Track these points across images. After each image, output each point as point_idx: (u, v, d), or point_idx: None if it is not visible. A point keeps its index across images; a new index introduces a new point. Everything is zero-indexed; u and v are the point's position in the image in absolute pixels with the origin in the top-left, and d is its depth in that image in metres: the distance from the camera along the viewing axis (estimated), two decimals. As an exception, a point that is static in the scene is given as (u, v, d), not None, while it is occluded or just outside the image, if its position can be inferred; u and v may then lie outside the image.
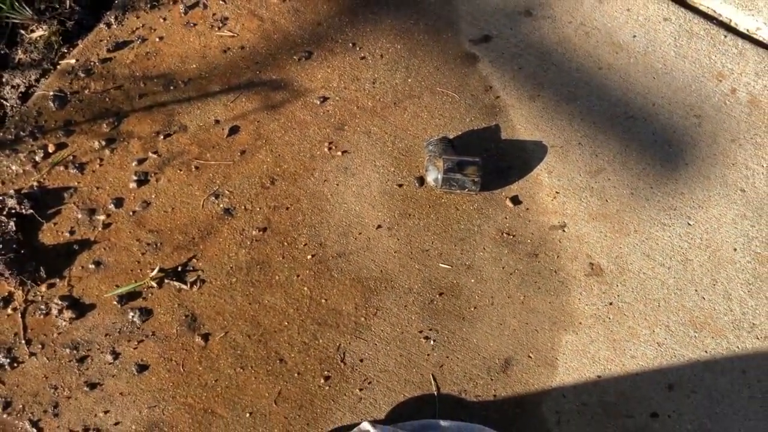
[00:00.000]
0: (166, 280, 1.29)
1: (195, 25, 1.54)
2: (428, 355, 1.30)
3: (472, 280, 1.35)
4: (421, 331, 1.32)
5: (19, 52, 1.48)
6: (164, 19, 1.53)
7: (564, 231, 1.42)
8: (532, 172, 1.49)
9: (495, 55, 1.60)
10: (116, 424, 1.19)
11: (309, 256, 1.35)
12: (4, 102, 1.42)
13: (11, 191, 1.30)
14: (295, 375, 1.26)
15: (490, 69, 1.58)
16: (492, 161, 1.47)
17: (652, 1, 1.64)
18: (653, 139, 1.51)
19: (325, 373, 1.27)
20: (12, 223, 1.25)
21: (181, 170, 1.39)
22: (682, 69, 1.57)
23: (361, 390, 1.26)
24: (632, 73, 1.57)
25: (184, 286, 1.29)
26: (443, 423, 1.21)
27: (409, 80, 1.55)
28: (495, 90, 1.56)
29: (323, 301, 1.32)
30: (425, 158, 1.44)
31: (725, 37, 1.61)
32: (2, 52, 1.48)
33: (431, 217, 1.41)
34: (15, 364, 1.20)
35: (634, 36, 1.61)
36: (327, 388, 1.26)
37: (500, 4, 1.65)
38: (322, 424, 1.23)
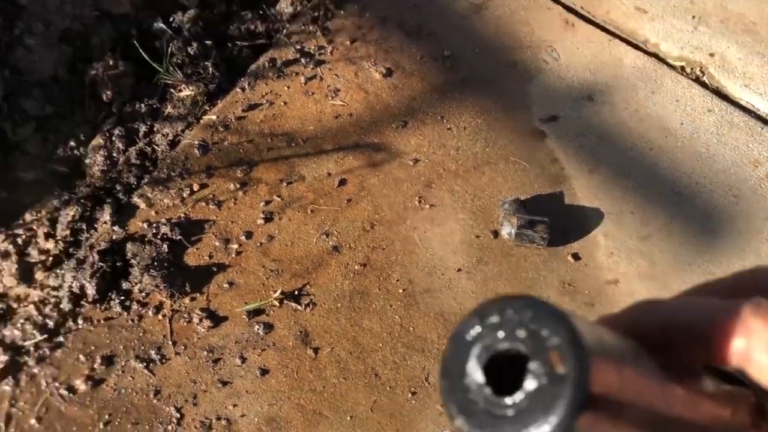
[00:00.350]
0: (285, 301, 1.55)
1: (313, 94, 1.85)
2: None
3: (539, 320, 1.60)
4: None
5: (169, 107, 1.79)
6: (288, 88, 1.85)
7: (617, 286, 1.66)
8: (590, 233, 1.74)
9: (561, 133, 1.88)
10: (242, 416, 1.44)
11: (400, 290, 1.61)
12: (156, 147, 1.73)
13: (163, 220, 1.59)
14: (388, 389, 1.51)
15: (556, 144, 1.86)
16: (557, 222, 1.73)
17: (698, 94, 1.92)
18: (696, 213, 1.76)
19: (412, 389, 1.51)
20: (165, 246, 1.53)
21: (299, 212, 1.67)
22: (723, 154, 1.83)
23: (442, 406, 1.50)
24: (679, 155, 1.84)
25: (299, 307, 1.56)
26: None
27: (487, 149, 1.83)
28: (560, 162, 1.83)
29: (411, 328, 1.57)
30: (500, 215, 1.71)
31: (762, 128, 1.87)
32: (155, 106, 1.80)
33: (503, 266, 1.67)
34: (163, 360, 1.46)
35: (682, 123, 1.89)
36: (414, 402, 1.50)
37: (566, 90, 1.95)
38: None
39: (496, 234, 1.70)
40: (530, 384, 0.30)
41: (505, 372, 0.32)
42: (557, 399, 0.29)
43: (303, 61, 1.87)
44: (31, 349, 1.42)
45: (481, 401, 0.33)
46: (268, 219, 1.65)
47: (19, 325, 1.43)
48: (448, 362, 0.34)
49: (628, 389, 0.31)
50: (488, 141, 1.84)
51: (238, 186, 1.68)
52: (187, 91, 1.79)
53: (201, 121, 1.77)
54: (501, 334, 0.32)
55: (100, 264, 1.46)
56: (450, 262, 1.66)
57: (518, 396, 0.31)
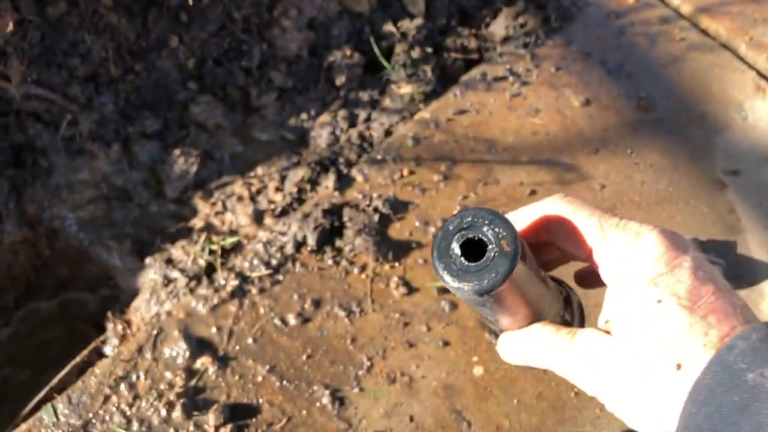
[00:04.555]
0: (472, 286, 1.72)
1: (515, 110, 2.03)
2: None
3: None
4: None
5: (387, 100, 2.01)
6: (494, 100, 2.04)
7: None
8: (758, 285, 1.82)
9: (741, 187, 1.97)
10: (423, 377, 1.61)
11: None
12: (372, 133, 1.94)
13: (376, 194, 1.79)
14: (553, 384, 1.64)
15: (735, 197, 1.95)
16: (729, 268, 1.82)
17: None
18: None
19: (575, 390, 1.64)
20: (376, 217, 1.73)
21: (491, 211, 1.84)
22: None
23: (600, 410, 1.62)
24: None
25: (482, 294, 1.72)
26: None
27: (670, 188, 1.95)
28: (737, 214, 1.92)
29: (580, 335, 1.70)
30: (677, 250, 1.82)
31: None
32: (375, 97, 2.02)
33: (673, 297, 1.77)
34: (362, 314, 1.65)
35: None
36: (575, 401, 1.62)
37: (751, 148, 2.04)
38: (568, 425, 1.59)
39: (669, 267, 1.81)
40: (489, 255, 0.61)
41: (472, 249, 0.63)
42: (506, 261, 0.60)
43: (510, 79, 2.05)
44: (256, 280, 1.65)
45: (458, 265, 0.63)
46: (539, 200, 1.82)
47: (248, 258, 1.66)
48: (438, 241, 0.65)
49: (529, 264, 0.64)
50: (672, 181, 1.95)
51: (441, 178, 1.86)
52: (406, 89, 2.00)
53: (415, 117, 1.98)
54: (472, 228, 0.64)
55: (322, 220, 1.68)
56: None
57: (481, 262, 0.61)
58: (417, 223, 1.80)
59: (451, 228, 0.67)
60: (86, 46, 1.78)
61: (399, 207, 1.81)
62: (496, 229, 0.65)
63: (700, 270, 0.65)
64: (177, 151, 1.83)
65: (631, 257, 0.66)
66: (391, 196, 1.81)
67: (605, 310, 0.69)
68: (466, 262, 0.65)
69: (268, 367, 1.56)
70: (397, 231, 1.78)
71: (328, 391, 1.53)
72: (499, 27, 2.18)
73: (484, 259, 0.65)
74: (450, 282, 0.66)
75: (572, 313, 0.80)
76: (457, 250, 0.66)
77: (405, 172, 1.86)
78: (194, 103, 1.91)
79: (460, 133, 1.96)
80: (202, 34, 1.91)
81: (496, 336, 0.87)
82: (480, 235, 0.66)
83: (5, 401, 2.02)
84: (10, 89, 1.68)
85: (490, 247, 0.65)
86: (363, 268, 1.71)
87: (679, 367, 0.62)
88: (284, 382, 1.54)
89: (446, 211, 1.84)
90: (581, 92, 2.08)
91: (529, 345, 0.73)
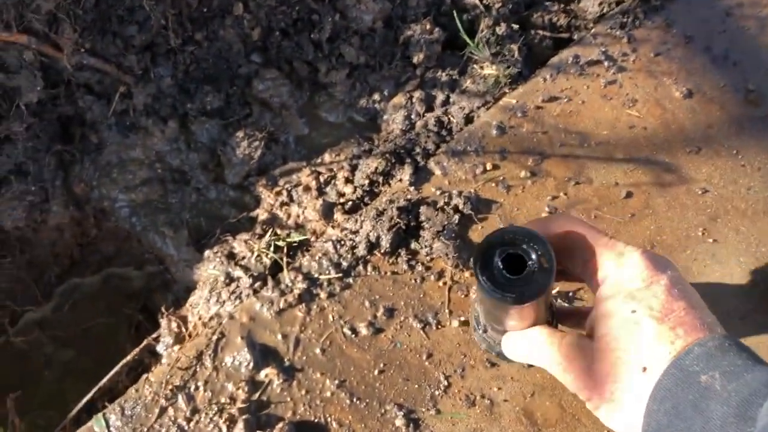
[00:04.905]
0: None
1: (611, 99, 1.82)
2: None
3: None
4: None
5: (468, 81, 1.82)
6: (587, 87, 1.83)
7: None
8: None
9: None
10: (505, 401, 1.46)
11: (671, 319, 1.58)
12: (451, 118, 1.76)
13: (455, 191, 1.62)
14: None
15: None
16: None
17: None
18: None
19: (671, 420, 1.48)
20: (456, 217, 1.56)
21: (582, 214, 1.66)
22: None
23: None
24: None
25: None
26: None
27: (780, 196, 1.74)
28: None
29: (677, 360, 1.54)
30: (789, 269, 1.63)
31: None
32: (455, 77, 1.83)
33: (780, 321, 1.60)
34: (439, 326, 1.50)
35: None
36: (670, 433, 1.47)
37: None
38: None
39: (777, 286, 1.63)
40: (529, 270, 0.77)
41: (511, 263, 0.78)
42: (545, 277, 0.77)
43: (606, 64, 1.84)
44: (325, 283, 1.50)
45: (499, 277, 0.77)
46: (553, 214, 1.64)
47: (317, 258, 1.51)
48: (482, 254, 0.79)
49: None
50: (782, 188, 1.75)
51: (528, 174, 1.68)
52: (490, 70, 1.80)
53: (500, 102, 1.78)
54: (513, 244, 0.78)
55: (398, 220, 1.51)
56: (725, 304, 1.60)
57: (522, 276, 0.77)
58: (500, 225, 1.63)
59: (493, 242, 0.80)
60: (144, 12, 1.60)
61: (481, 206, 1.64)
62: (535, 247, 0.78)
63: (675, 288, 0.77)
64: (240, 132, 1.66)
65: (615, 273, 0.79)
66: (472, 194, 1.64)
67: (590, 317, 0.83)
68: (508, 275, 0.79)
69: (337, 381, 1.42)
70: (479, 234, 1.61)
71: (401, 413, 1.40)
72: (591, 2, 1.95)
73: (525, 273, 0.79)
74: (492, 292, 0.78)
75: (553, 316, 0.99)
76: (500, 264, 0.79)
77: (488, 166, 1.69)
78: (258, 78, 1.73)
79: (549, 123, 1.77)
80: (269, 1, 1.72)
81: (490, 347, 1.15)
82: (520, 252, 0.79)
83: (49, 382, 1.92)
84: (62, 59, 1.51)
85: (530, 263, 0.79)
86: (440, 275, 1.55)
87: (644, 369, 0.72)
88: (354, 400, 1.41)
89: (533, 213, 1.66)
90: (683, 82, 1.87)
91: (531, 344, 0.89)
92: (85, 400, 1.45)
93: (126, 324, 2.03)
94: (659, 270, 0.78)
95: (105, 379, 1.48)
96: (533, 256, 0.78)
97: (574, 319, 1.03)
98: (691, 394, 0.67)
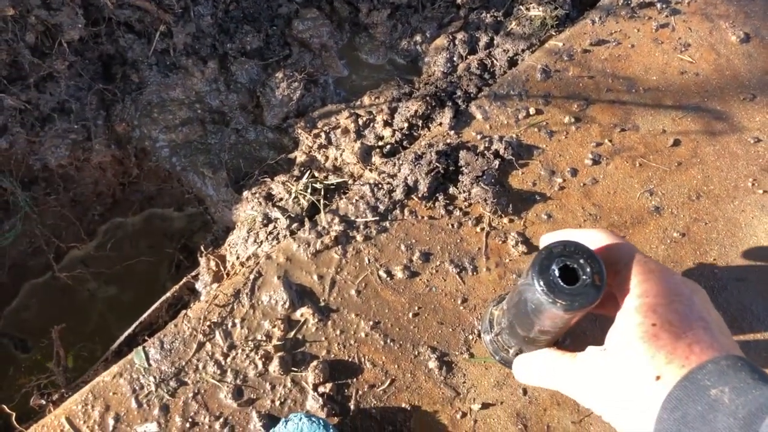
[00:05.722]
0: (600, 249, 1.52)
1: (662, 43, 1.75)
2: None
3: None
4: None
5: (513, 23, 1.76)
6: (638, 30, 1.76)
7: None
8: None
9: None
10: (540, 347, 1.44)
11: (715, 271, 1.54)
12: (495, 61, 1.71)
13: (496, 136, 1.59)
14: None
15: None
16: None
17: None
18: None
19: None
20: (496, 162, 1.53)
21: (627, 162, 1.62)
22: None
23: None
24: None
25: (611, 259, 1.52)
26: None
27: (838, 148, 1.67)
28: None
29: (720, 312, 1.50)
30: (843, 223, 1.57)
31: None
32: (499, 19, 1.77)
33: (831, 276, 1.54)
34: (475, 272, 1.49)
35: None
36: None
37: None
38: None
39: (829, 240, 1.57)
40: (582, 283, 0.83)
41: (566, 274, 0.85)
42: (595, 293, 0.82)
43: (658, 6, 1.76)
44: (361, 226, 1.49)
45: (554, 284, 0.84)
46: (596, 161, 1.60)
47: (353, 201, 1.50)
48: (541, 261, 0.86)
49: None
50: (840, 138, 1.67)
51: (572, 120, 1.64)
52: (536, 11, 1.74)
53: (545, 45, 1.73)
54: (572, 257, 0.84)
55: (436, 164, 1.49)
56: (772, 256, 1.55)
57: (576, 287, 0.83)
58: (542, 172, 1.59)
59: (554, 252, 0.86)
60: (184, -52, 1.58)
61: (522, 152, 1.60)
62: (592, 264, 0.85)
63: (698, 307, 0.81)
64: (279, 74, 1.65)
65: (642, 287, 0.83)
66: (514, 139, 1.60)
67: (612, 329, 0.85)
68: (563, 284, 0.84)
69: (371, 322, 1.43)
70: (519, 180, 1.58)
71: (435, 355, 1.40)
72: (646, -59, 1.86)
73: (578, 285, 0.84)
74: (544, 295, 0.85)
75: (564, 335, 1.11)
76: (557, 272, 0.85)
77: (531, 111, 1.64)
78: (298, 17, 1.70)
79: (596, 68, 1.71)
80: (311, -63, 1.68)
81: (495, 351, 1.24)
82: (576, 265, 0.85)
83: (92, 317, 1.98)
84: (103, -4, 1.51)
85: (584, 277, 0.84)
86: (478, 221, 1.53)
87: (658, 378, 0.75)
88: (388, 341, 1.41)
89: (576, 160, 1.62)
90: (740, 26, 1.78)
91: (539, 366, 0.96)
92: (126, 334, 1.48)
93: (167, 263, 2.07)
94: (685, 289, 0.83)
95: (146, 315, 1.51)
96: (588, 272, 0.84)
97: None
98: (700, 406, 0.70)
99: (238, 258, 1.52)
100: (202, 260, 1.54)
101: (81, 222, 1.92)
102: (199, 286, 1.54)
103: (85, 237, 1.88)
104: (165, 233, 2.13)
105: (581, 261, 0.87)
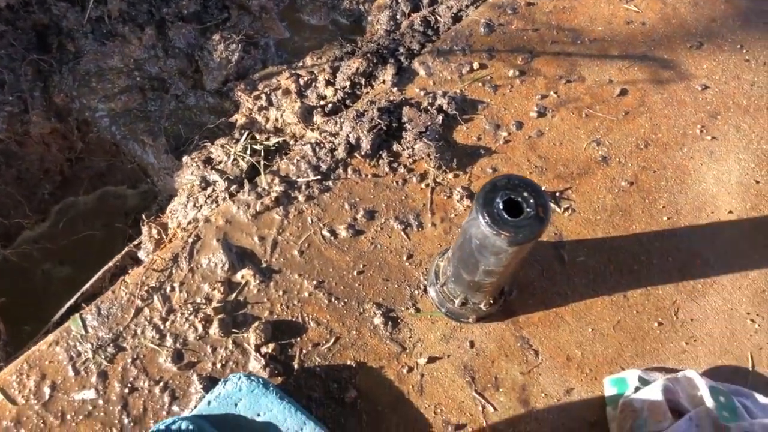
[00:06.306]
0: (547, 200, 1.50)
1: (607, -7, 1.73)
2: (750, 335, 1.43)
3: (815, 285, 1.46)
4: (748, 313, 1.45)
5: (456, -21, 1.73)
6: (582, -18, 1.73)
7: None
8: None
9: None
10: (487, 300, 1.42)
11: (664, 218, 1.52)
12: (438, 18, 1.68)
13: (440, 92, 1.56)
14: (635, 312, 1.44)
15: None
16: None
17: None
18: None
19: (659, 319, 1.44)
20: (439, 118, 1.51)
21: (573, 113, 1.59)
22: None
23: (686, 344, 1.42)
24: None
25: (557, 210, 1.50)
26: (759, 397, 1.34)
27: (786, 92, 1.65)
28: None
29: (669, 259, 1.49)
30: (791, 165, 1.55)
31: None
32: (442, -24, 1.74)
33: (780, 219, 1.53)
34: (420, 228, 1.47)
35: None
36: (658, 332, 1.43)
37: None
38: (648, 360, 1.41)
39: (778, 184, 1.55)
40: (526, 215, 0.92)
41: (511, 208, 0.93)
42: (539, 225, 0.92)
43: (603, -44, 1.74)
44: (303, 186, 1.47)
45: (498, 216, 0.91)
46: (541, 114, 1.58)
47: (294, 161, 1.47)
48: (485, 194, 0.92)
49: None
50: (788, 83, 1.66)
51: (516, 73, 1.61)
52: (478, -34, 1.71)
53: (489, 0, 1.70)
54: (516, 190, 0.92)
55: (378, 120, 1.46)
56: (721, 202, 1.54)
57: (519, 219, 0.91)
58: (487, 126, 1.57)
59: (499, 185, 0.89)
60: None
61: (466, 107, 1.58)
62: (536, 197, 0.88)
63: None
64: (216, 36, 1.61)
65: None
66: (457, 94, 1.58)
67: None
68: (506, 216, 0.88)
69: (315, 282, 1.40)
70: (464, 135, 1.56)
71: (380, 311, 1.38)
72: None
73: (522, 217, 0.88)
74: (488, 227, 0.88)
75: (510, 286, 1.24)
76: (501, 205, 0.88)
77: (475, 66, 1.62)
78: (236, -21, 1.67)
79: (541, 21, 1.69)
80: None
81: (441, 302, 1.27)
82: (521, 198, 0.88)
83: (50, 297, 1.94)
84: (28, -40, 1.47)
85: (528, 210, 0.88)
86: (423, 177, 1.51)
87: None
88: (333, 300, 1.39)
89: (521, 113, 1.60)
90: (686, -27, 1.76)
91: None
92: (68, 305, 1.45)
93: (120, 238, 2.03)
94: None
95: (87, 285, 1.48)
96: (532, 203, 0.87)
97: None
98: None
99: (179, 225, 1.49)
100: (144, 229, 1.51)
101: (30, 201, 1.88)
102: (141, 254, 1.51)
103: (31, 214, 1.84)
104: (120, 211, 2.09)
105: (525, 194, 0.90)
